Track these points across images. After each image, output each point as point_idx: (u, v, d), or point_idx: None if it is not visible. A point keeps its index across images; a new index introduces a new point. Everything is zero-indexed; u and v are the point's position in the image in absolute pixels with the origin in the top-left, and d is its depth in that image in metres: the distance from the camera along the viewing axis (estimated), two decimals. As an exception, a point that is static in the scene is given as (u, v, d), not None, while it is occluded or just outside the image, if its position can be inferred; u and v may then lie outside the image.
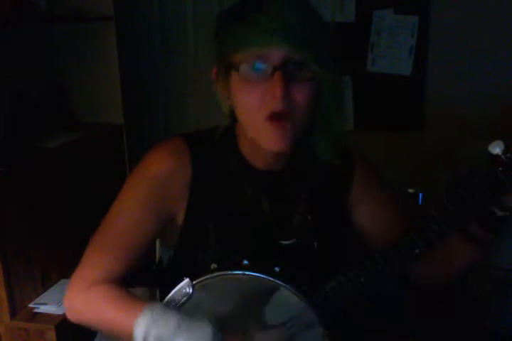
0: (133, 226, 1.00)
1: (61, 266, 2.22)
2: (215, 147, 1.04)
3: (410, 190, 2.29)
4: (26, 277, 2.06)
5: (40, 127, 2.35)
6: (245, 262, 0.97)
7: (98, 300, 0.95)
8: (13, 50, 2.28)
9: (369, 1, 2.71)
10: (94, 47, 2.54)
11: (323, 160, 1.03)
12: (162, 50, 3.04)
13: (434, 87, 2.73)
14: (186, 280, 0.92)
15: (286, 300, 0.93)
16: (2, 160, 1.98)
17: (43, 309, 2.06)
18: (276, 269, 0.98)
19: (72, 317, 0.99)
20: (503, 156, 0.88)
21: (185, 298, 0.92)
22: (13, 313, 2.01)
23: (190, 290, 0.91)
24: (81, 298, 0.97)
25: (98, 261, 0.98)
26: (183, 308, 0.92)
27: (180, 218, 1.02)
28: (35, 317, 2.04)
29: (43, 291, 2.16)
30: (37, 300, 2.11)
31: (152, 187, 1.00)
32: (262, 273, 0.93)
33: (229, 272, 0.94)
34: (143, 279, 1.10)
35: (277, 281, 0.93)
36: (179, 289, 0.92)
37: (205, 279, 0.94)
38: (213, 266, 0.97)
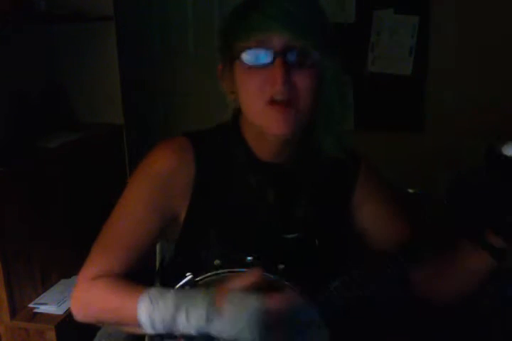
0: (136, 225, 1.00)
1: (61, 266, 2.22)
2: (219, 140, 1.05)
3: (410, 190, 2.29)
4: (26, 277, 2.06)
5: (40, 127, 2.35)
6: (248, 259, 0.97)
7: (100, 293, 0.95)
8: (13, 50, 2.28)
9: (369, 1, 2.71)
10: (94, 47, 2.54)
11: (329, 155, 1.04)
12: (162, 50, 3.04)
13: (434, 87, 2.73)
14: (189, 276, 0.92)
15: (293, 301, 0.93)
16: (2, 160, 1.98)
17: (43, 309, 2.06)
18: (281, 267, 0.98)
19: (78, 315, 0.99)
20: None
21: None
22: (13, 313, 2.01)
23: (193, 287, 0.91)
24: (84, 294, 0.97)
25: (101, 260, 0.99)
26: None
27: (182, 216, 1.03)
28: (35, 317, 2.04)
29: (43, 291, 2.16)
30: (37, 300, 2.11)
31: (155, 186, 1.01)
32: (266, 272, 0.92)
33: (232, 270, 0.94)
34: (143, 280, 1.09)
35: (281, 280, 0.93)
36: (182, 285, 0.92)
37: (209, 276, 0.94)
38: (217, 262, 0.97)
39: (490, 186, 0.89)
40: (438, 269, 1.04)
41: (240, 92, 0.96)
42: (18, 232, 1.99)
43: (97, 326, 1.16)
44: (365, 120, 2.78)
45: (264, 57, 0.91)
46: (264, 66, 0.91)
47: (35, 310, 2.06)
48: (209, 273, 0.94)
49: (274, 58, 0.90)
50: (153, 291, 0.88)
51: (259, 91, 0.92)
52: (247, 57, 0.92)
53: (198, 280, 0.93)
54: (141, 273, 1.03)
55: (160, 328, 0.86)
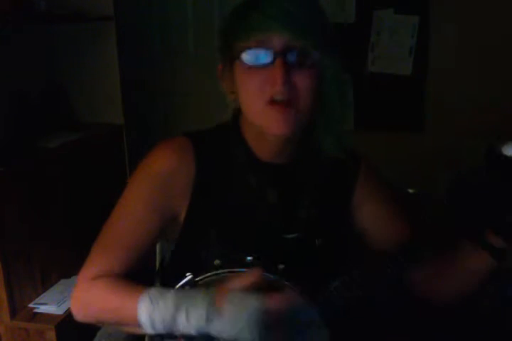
0: (136, 225, 1.00)
1: (61, 266, 2.22)
2: (219, 140, 1.05)
3: (410, 190, 2.29)
4: (26, 277, 2.06)
5: (40, 127, 2.35)
6: (248, 259, 0.97)
7: (101, 293, 0.95)
8: (13, 50, 2.28)
9: (369, 1, 2.71)
10: (94, 47, 2.54)
11: (329, 155, 1.04)
12: (162, 50, 3.04)
13: (434, 87, 2.73)
14: (189, 276, 0.92)
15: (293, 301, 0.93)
16: (2, 160, 1.98)
17: (43, 309, 2.06)
18: (281, 267, 0.98)
19: (78, 315, 0.98)
20: None
21: None
22: (13, 313, 2.01)
23: (193, 287, 0.91)
24: (84, 294, 0.97)
25: (101, 260, 0.99)
26: None
27: (182, 215, 1.02)
28: (35, 317, 2.04)
29: (43, 291, 2.16)
30: (37, 300, 2.11)
31: (155, 186, 1.01)
32: (266, 272, 0.92)
33: (232, 270, 0.94)
34: (142, 280, 1.09)
35: (281, 280, 0.93)
36: (182, 285, 0.92)
37: (208, 276, 0.94)
38: (217, 262, 0.97)
39: (490, 186, 0.89)
40: (438, 269, 1.04)
41: (239, 92, 0.97)
42: (18, 232, 1.99)
43: (97, 326, 1.16)
44: (365, 120, 2.78)
45: (264, 57, 0.91)
46: (264, 66, 0.91)
47: (35, 310, 2.06)
48: (209, 273, 0.94)
49: (274, 58, 0.90)
50: (154, 291, 0.88)
51: (259, 91, 0.92)
52: (247, 57, 0.92)
53: (198, 281, 0.93)
54: (141, 273, 1.03)
55: (160, 328, 0.86)
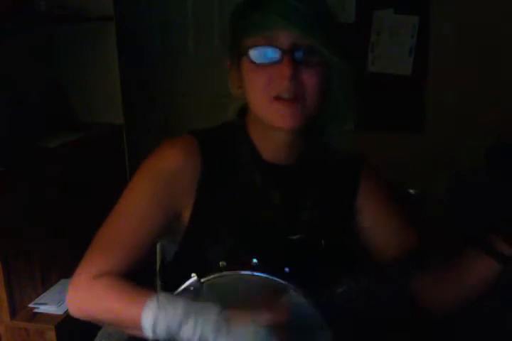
0: (139, 222, 0.99)
1: (61, 266, 2.22)
2: (225, 139, 1.05)
3: (411, 191, 2.29)
4: (26, 277, 2.05)
5: (40, 127, 2.35)
6: (254, 261, 0.96)
7: (101, 292, 0.93)
8: (13, 50, 2.28)
9: (369, 1, 2.71)
10: (94, 47, 2.54)
11: (333, 155, 1.04)
12: (162, 50, 3.04)
13: (434, 87, 2.73)
14: (194, 277, 0.91)
15: (295, 302, 0.93)
16: (2, 160, 1.98)
17: (43, 309, 2.06)
18: (286, 270, 0.97)
19: (75, 312, 0.98)
20: None
21: (192, 296, 0.90)
22: (13, 313, 2.01)
23: (199, 288, 0.91)
24: (84, 291, 0.96)
25: (100, 259, 0.97)
26: None
27: (186, 215, 1.02)
28: (35, 317, 2.04)
29: (43, 291, 2.15)
30: (37, 300, 2.11)
31: (160, 183, 1.00)
32: (272, 275, 0.92)
33: (238, 272, 0.93)
34: (143, 280, 1.09)
35: (287, 283, 0.92)
36: (187, 286, 0.91)
37: (213, 278, 0.93)
38: (222, 263, 0.96)
39: (490, 186, 0.89)
40: (442, 276, 1.02)
41: (247, 88, 0.97)
42: (18, 232, 1.99)
43: (98, 326, 1.16)
44: (365, 120, 2.77)
45: (271, 54, 0.91)
46: (272, 63, 0.91)
47: (35, 310, 2.06)
48: (214, 275, 0.93)
49: (282, 56, 0.90)
50: (162, 297, 0.87)
51: (266, 88, 0.93)
52: (254, 54, 0.92)
53: (203, 282, 0.92)
54: (141, 273, 1.03)
55: (162, 334, 0.85)
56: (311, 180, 1.06)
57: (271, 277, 0.90)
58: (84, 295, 0.96)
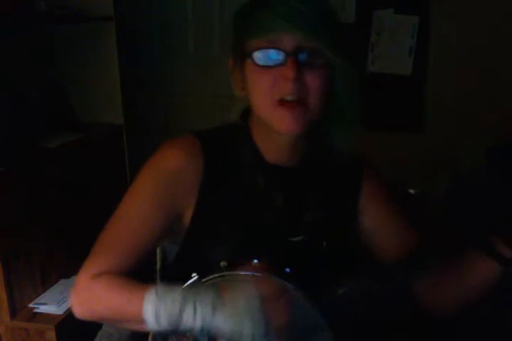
0: (141, 223, 0.99)
1: (61, 266, 2.22)
2: (227, 140, 1.05)
3: (411, 191, 2.29)
4: (26, 277, 2.06)
5: (40, 127, 2.35)
6: (255, 261, 0.96)
7: (101, 291, 0.94)
8: (13, 50, 2.28)
9: (369, 1, 2.71)
10: (94, 47, 2.54)
11: (336, 157, 1.04)
12: (162, 50, 3.04)
13: (434, 87, 2.73)
14: (195, 277, 0.91)
15: (296, 303, 0.93)
16: (2, 160, 1.98)
17: (43, 309, 2.06)
18: (287, 270, 0.97)
19: (80, 313, 0.97)
20: None
21: None
22: (13, 313, 2.01)
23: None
24: (84, 292, 0.96)
25: (100, 260, 0.97)
26: None
27: (188, 216, 1.02)
28: (35, 317, 2.04)
29: (43, 291, 2.16)
30: (37, 300, 2.11)
31: (162, 184, 1.00)
32: (272, 275, 0.91)
33: (238, 273, 0.93)
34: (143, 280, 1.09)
35: (287, 284, 0.92)
36: (188, 286, 0.91)
37: (214, 278, 0.93)
38: (223, 263, 0.97)
39: (490, 186, 0.89)
40: (442, 277, 1.02)
41: (250, 90, 0.97)
42: (18, 232, 1.99)
43: (98, 326, 1.16)
44: (365, 120, 2.78)
45: (275, 57, 0.91)
46: (275, 66, 0.91)
47: (35, 310, 2.06)
48: (215, 275, 0.93)
49: (286, 58, 0.90)
50: (160, 287, 0.87)
51: (269, 90, 0.92)
52: (258, 56, 0.92)
53: (204, 282, 0.92)
54: (141, 273, 1.03)
55: (165, 324, 0.85)
56: (314, 181, 1.06)
57: (271, 277, 0.90)
58: (85, 295, 0.97)
